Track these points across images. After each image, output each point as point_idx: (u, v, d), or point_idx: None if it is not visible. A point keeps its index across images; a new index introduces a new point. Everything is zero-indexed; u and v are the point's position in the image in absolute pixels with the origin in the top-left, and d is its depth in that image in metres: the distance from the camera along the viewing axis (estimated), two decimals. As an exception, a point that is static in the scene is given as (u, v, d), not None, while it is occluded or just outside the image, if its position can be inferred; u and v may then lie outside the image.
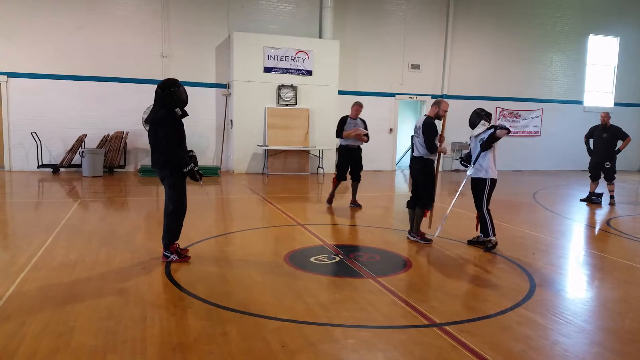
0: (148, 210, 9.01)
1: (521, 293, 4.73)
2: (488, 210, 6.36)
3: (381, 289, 4.75)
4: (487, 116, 6.36)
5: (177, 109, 5.17)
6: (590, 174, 10.54)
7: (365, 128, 9.14)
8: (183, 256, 5.46)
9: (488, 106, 16.61)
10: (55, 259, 5.42)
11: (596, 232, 8.23)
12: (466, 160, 6.71)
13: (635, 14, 18.46)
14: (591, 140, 10.58)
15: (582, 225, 8.72)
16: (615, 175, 10.33)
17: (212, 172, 13.56)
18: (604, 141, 10.25)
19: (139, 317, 3.91)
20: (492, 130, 6.20)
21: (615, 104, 18.52)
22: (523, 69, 17.50)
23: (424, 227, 6.87)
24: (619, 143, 10.25)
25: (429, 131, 6.49)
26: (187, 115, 5.30)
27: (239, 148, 14.24)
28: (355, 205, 9.07)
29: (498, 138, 6.16)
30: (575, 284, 5.41)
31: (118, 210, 8.94)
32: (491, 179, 6.32)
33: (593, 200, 10.39)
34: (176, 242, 5.51)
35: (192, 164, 5.31)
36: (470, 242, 6.64)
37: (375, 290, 4.70)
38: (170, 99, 5.15)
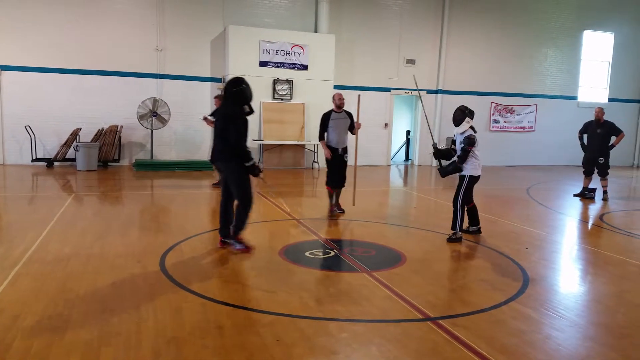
0: (143, 205, 9.00)
1: (515, 287, 4.76)
2: (462, 206, 6.42)
3: (376, 283, 4.76)
4: (470, 114, 6.36)
5: (246, 106, 5.54)
6: (584, 169, 10.57)
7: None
8: (246, 247, 5.68)
9: (483, 101, 16.85)
10: (49, 252, 5.40)
11: (589, 227, 8.28)
12: (443, 155, 6.71)
13: (630, 9, 18.49)
14: (585, 136, 10.61)
15: (575, 220, 8.76)
16: (608, 170, 10.37)
17: (207, 167, 13.51)
18: (598, 137, 10.28)
19: (134, 310, 3.91)
20: (467, 141, 6.26)
21: (610, 100, 18.57)
22: (518, 64, 17.51)
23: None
24: (613, 139, 10.28)
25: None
26: (254, 112, 5.66)
27: (234, 142, 14.19)
28: None
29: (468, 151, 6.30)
30: (568, 278, 5.45)
31: (112, 205, 8.92)
32: (469, 176, 6.38)
33: (586, 195, 10.44)
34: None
35: (254, 160, 5.60)
36: (463, 231, 6.72)
37: (369, 285, 4.72)
38: (240, 96, 5.51)
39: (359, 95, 8.03)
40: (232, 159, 5.53)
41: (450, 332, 3.70)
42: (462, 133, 6.36)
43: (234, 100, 5.53)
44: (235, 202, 5.68)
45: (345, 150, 7.84)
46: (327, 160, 7.85)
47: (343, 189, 8.07)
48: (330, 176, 7.87)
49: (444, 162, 6.68)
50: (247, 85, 5.58)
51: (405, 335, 3.65)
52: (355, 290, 4.55)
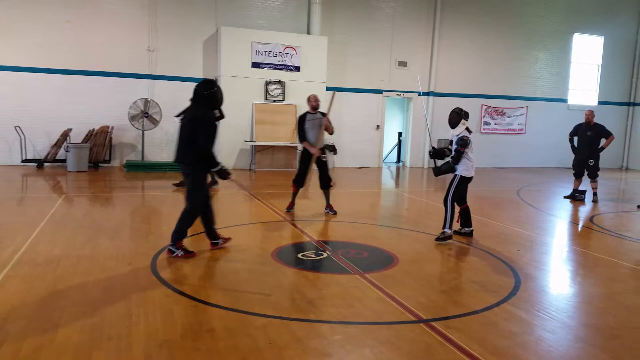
0: (133, 206, 8.95)
1: (506, 289, 4.78)
2: (452, 205, 6.47)
3: (368, 285, 4.76)
4: (466, 115, 6.44)
5: (216, 111, 5.36)
6: (574, 172, 10.65)
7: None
8: (189, 252, 5.46)
9: (474, 103, 16.90)
10: (39, 254, 5.35)
11: (579, 229, 8.34)
12: (439, 155, 6.77)
13: (620, 13, 18.67)
14: (575, 138, 10.68)
15: (565, 222, 8.82)
16: (598, 172, 10.45)
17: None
18: (588, 139, 10.35)
19: (125, 313, 3.88)
20: (460, 142, 6.35)
21: (599, 103, 18.73)
22: (509, 67, 17.61)
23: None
24: (603, 141, 10.37)
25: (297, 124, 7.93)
26: (224, 117, 5.51)
27: (226, 144, 14.14)
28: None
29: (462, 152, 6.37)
30: (559, 280, 5.48)
31: (103, 206, 8.86)
32: (461, 176, 6.45)
33: (576, 197, 10.51)
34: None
35: (221, 164, 5.45)
36: (456, 233, 6.84)
37: (362, 286, 4.71)
38: (212, 100, 5.32)
39: (333, 93, 8.19)
40: (196, 164, 5.33)
41: (442, 334, 3.71)
42: (458, 135, 6.41)
43: (204, 103, 5.32)
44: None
45: (322, 150, 7.91)
46: (300, 159, 8.06)
47: (332, 190, 8.21)
48: (298, 175, 7.96)
49: (439, 162, 6.75)
50: (219, 88, 5.42)
51: (398, 337, 3.65)
52: (348, 292, 4.55)
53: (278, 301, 4.29)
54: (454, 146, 6.45)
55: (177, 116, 5.53)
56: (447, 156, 6.69)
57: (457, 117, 6.41)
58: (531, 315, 4.17)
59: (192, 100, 5.40)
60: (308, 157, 7.87)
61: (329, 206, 8.14)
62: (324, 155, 7.94)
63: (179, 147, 5.45)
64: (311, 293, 4.52)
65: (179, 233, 5.42)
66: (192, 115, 5.35)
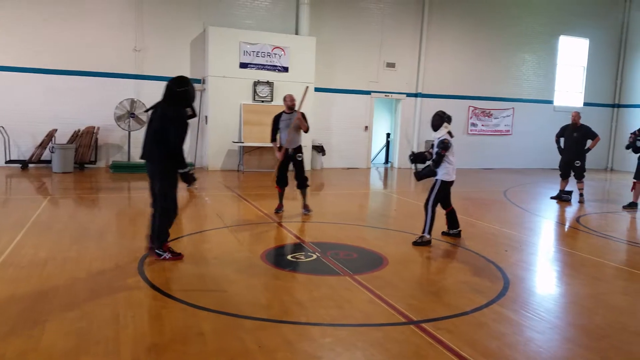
0: (120, 207, 8.85)
1: (495, 290, 4.80)
2: (433, 209, 6.44)
3: (358, 286, 4.75)
4: (448, 119, 6.44)
5: (188, 109, 5.22)
6: (560, 172, 10.74)
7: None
8: (177, 254, 5.38)
9: (461, 105, 17.02)
10: (24, 257, 5.26)
11: (566, 230, 8.41)
12: (419, 159, 6.75)
13: (605, 16, 18.89)
14: (562, 139, 10.78)
15: (552, 222, 8.89)
16: (584, 173, 10.54)
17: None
18: (574, 140, 10.44)
19: (112, 317, 3.83)
20: (441, 145, 6.33)
21: (585, 104, 18.94)
22: (496, 68, 17.74)
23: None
24: (589, 142, 10.47)
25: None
26: (196, 116, 5.34)
27: (213, 144, 14.09)
28: None
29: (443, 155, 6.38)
30: (546, 280, 5.52)
31: (89, 207, 8.75)
32: (441, 180, 6.43)
33: (563, 198, 10.61)
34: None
35: (190, 167, 5.32)
36: (443, 234, 6.93)
37: (352, 288, 4.70)
38: (184, 97, 5.18)
39: (307, 87, 8.23)
40: (165, 162, 5.18)
41: (433, 335, 3.71)
42: (439, 138, 6.41)
43: (176, 100, 5.16)
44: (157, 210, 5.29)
45: (297, 150, 7.92)
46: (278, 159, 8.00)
47: (309, 189, 8.23)
48: (279, 176, 7.96)
49: (420, 166, 6.74)
50: (192, 86, 5.30)
51: (388, 338, 3.65)
52: (338, 293, 4.54)
53: (267, 303, 4.27)
54: (435, 149, 6.44)
55: (147, 110, 5.43)
56: (428, 160, 6.67)
57: (439, 120, 6.40)
58: (520, 316, 4.19)
59: (164, 96, 5.25)
60: (285, 156, 7.91)
61: (305, 206, 8.13)
62: (299, 154, 7.93)
63: (145, 144, 5.31)
64: (301, 295, 4.50)
65: (161, 236, 5.33)
66: (162, 112, 5.20)
